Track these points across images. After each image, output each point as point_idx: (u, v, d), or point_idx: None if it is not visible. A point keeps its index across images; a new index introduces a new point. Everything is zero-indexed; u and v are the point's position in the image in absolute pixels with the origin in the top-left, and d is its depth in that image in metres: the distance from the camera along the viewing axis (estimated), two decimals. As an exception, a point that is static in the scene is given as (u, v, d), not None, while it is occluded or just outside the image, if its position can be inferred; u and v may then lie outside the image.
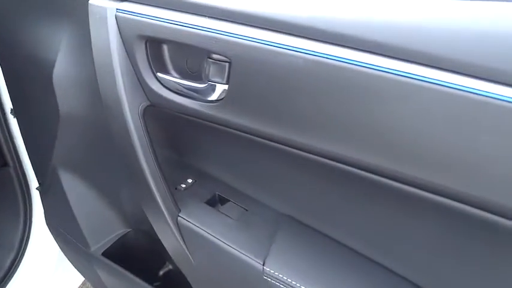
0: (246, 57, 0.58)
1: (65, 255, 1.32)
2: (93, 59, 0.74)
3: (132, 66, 0.71)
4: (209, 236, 0.71)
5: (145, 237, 1.10)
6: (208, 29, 0.61)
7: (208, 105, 0.66)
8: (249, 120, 0.63)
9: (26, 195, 1.42)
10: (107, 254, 1.12)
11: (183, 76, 0.72)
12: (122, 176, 1.00)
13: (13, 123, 1.22)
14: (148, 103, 0.73)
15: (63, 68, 0.90)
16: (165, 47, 0.71)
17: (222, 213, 0.75)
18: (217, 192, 0.80)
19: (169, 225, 0.73)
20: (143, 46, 0.69)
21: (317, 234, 0.71)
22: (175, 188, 0.81)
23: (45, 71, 0.91)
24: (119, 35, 0.70)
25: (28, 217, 1.44)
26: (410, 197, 0.55)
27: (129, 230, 1.16)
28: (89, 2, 0.71)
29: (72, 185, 1.10)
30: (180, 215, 0.74)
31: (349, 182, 0.64)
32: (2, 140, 1.22)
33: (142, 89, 0.72)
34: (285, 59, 0.55)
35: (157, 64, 0.71)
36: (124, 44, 0.70)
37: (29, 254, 1.44)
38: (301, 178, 0.71)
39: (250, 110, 0.62)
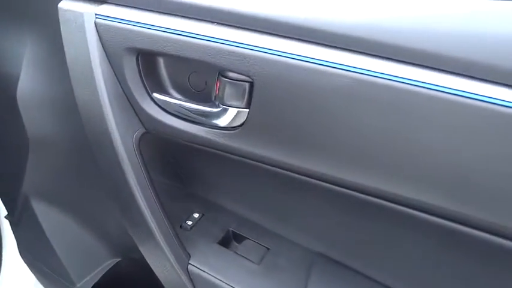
0: (274, 76, 0.46)
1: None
2: (65, 73, 0.59)
3: (121, 86, 0.57)
4: (228, 287, 0.59)
5: (138, 267, 0.97)
6: (222, 41, 0.48)
7: (222, 132, 0.54)
8: (273, 151, 0.51)
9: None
10: (96, 290, 0.99)
11: (185, 96, 0.59)
12: (104, 202, 0.87)
13: None
14: (143, 130, 0.60)
15: (28, 84, 0.74)
16: (160, 61, 0.58)
17: (241, 255, 0.63)
18: (231, 229, 0.68)
19: (178, 275, 0.60)
20: (133, 61, 0.55)
21: (355, 274, 0.61)
22: (180, 226, 0.68)
23: (6, 87, 0.75)
24: (101, 48, 0.56)
25: None
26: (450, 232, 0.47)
27: (118, 259, 1.03)
28: (59, 5, 0.56)
29: (48, 216, 0.96)
30: (190, 262, 0.62)
31: (388, 216, 0.54)
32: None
33: (136, 113, 0.59)
34: (326, 79, 0.44)
35: (152, 82, 0.58)
36: (109, 59, 0.56)
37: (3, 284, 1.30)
38: (333, 211, 0.60)
39: (276, 140, 0.50)
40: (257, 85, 0.47)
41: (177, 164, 0.74)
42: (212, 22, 0.50)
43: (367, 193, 0.49)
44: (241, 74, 0.48)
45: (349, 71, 0.43)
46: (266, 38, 0.46)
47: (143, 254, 0.63)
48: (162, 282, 0.64)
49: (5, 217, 1.16)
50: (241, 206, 0.69)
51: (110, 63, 0.56)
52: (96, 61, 0.55)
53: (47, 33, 0.65)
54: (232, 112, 0.52)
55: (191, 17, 0.50)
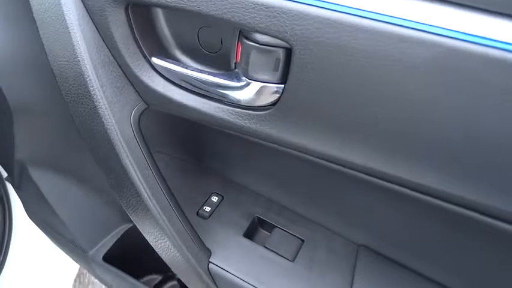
0: (324, 41, 0.32)
1: (60, 249, 1.13)
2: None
3: (110, 50, 0.43)
4: (259, 292, 0.49)
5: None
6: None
7: (247, 113, 0.40)
8: (315, 140, 0.38)
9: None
10: (108, 258, 0.92)
11: (194, 58, 0.44)
12: None
13: None
14: (144, 106, 0.47)
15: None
16: (158, 12, 0.43)
17: (271, 250, 0.53)
18: (256, 215, 0.57)
19: (199, 275, 0.51)
20: (122, 15, 0.41)
21: (405, 271, 0.51)
22: (197, 213, 0.57)
23: None
24: (78, 1, 0.41)
25: (6, 202, 1.24)
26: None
27: (130, 225, 0.95)
28: None
29: (48, 182, 0.87)
30: (211, 260, 0.52)
31: (441, 213, 0.42)
32: None
33: (132, 85, 0.45)
34: (403, 48, 0.29)
35: (150, 43, 0.44)
36: (89, 14, 0.41)
37: (16, 242, 1.27)
38: (380, 203, 0.48)
39: (321, 127, 0.37)
40: (298, 53, 0.33)
41: (188, 138, 0.61)
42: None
43: (427, 194, 0.37)
44: (273, 36, 0.34)
45: (442, 35, 0.28)
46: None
47: (157, 252, 0.53)
48: (184, 282, 0.55)
49: (5, 179, 1.09)
50: (267, 186, 0.58)
51: (91, 19, 0.42)
52: (71, 17, 0.41)
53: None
54: (260, 87, 0.38)
55: None
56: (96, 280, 1.45)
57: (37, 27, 0.45)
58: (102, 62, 0.43)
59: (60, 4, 0.41)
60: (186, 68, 0.42)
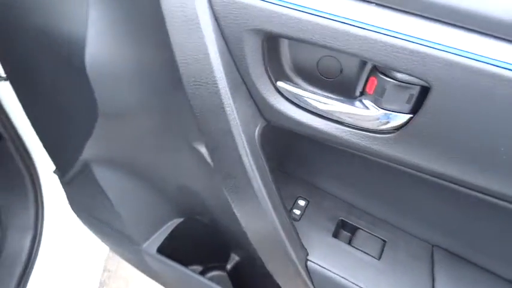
0: (461, 84, 0.38)
1: (106, 242, 1.17)
2: (147, 40, 0.53)
3: (239, 73, 0.49)
4: (353, 286, 0.56)
5: (204, 227, 0.96)
6: (389, 31, 0.39)
7: (368, 135, 0.46)
8: (434, 162, 0.44)
9: (30, 168, 1.23)
10: (162, 250, 0.98)
11: (311, 83, 0.50)
12: (167, 166, 0.82)
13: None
14: (265, 123, 0.52)
15: (99, 50, 0.64)
16: (285, 42, 0.48)
17: (359, 249, 0.60)
18: (340, 218, 0.64)
19: (297, 272, 0.57)
20: (258, 45, 0.46)
21: (480, 269, 0.58)
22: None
23: (71, 51, 0.65)
24: (217, 29, 0.46)
25: (38, 193, 1.28)
26: None
27: (180, 219, 1.01)
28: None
29: (111, 181, 0.91)
30: (309, 258, 0.59)
31: None
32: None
33: (256, 104, 0.51)
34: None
35: (276, 68, 0.49)
36: (225, 41, 0.47)
37: (48, 231, 1.31)
38: (455, 206, 0.55)
39: (442, 151, 0.43)
40: (436, 93, 0.39)
41: (277, 146, 0.67)
42: (371, 2, 0.40)
43: None
44: (414, 76, 0.40)
45: None
46: (456, 33, 0.37)
47: (258, 250, 0.59)
48: (275, 279, 0.62)
49: (53, 172, 1.12)
50: (349, 192, 0.64)
51: (227, 46, 0.47)
52: (211, 44, 0.46)
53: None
54: (389, 115, 0.44)
55: None
56: (112, 268, 1.50)
57: (144, 36, 0.50)
58: (235, 85, 0.48)
59: (201, 31, 0.46)
60: (313, 94, 0.48)
